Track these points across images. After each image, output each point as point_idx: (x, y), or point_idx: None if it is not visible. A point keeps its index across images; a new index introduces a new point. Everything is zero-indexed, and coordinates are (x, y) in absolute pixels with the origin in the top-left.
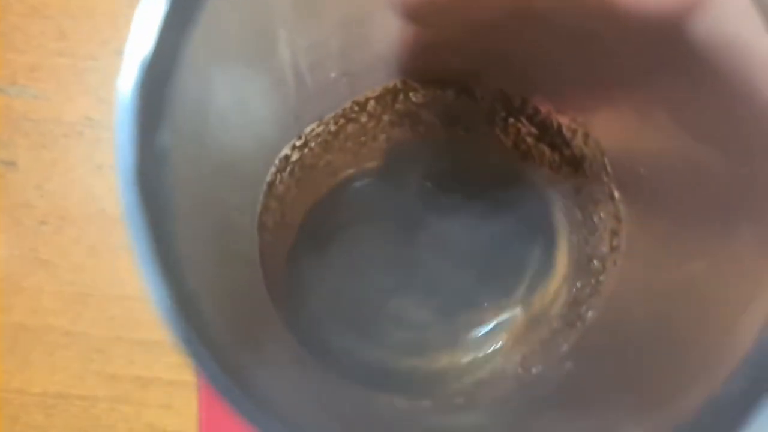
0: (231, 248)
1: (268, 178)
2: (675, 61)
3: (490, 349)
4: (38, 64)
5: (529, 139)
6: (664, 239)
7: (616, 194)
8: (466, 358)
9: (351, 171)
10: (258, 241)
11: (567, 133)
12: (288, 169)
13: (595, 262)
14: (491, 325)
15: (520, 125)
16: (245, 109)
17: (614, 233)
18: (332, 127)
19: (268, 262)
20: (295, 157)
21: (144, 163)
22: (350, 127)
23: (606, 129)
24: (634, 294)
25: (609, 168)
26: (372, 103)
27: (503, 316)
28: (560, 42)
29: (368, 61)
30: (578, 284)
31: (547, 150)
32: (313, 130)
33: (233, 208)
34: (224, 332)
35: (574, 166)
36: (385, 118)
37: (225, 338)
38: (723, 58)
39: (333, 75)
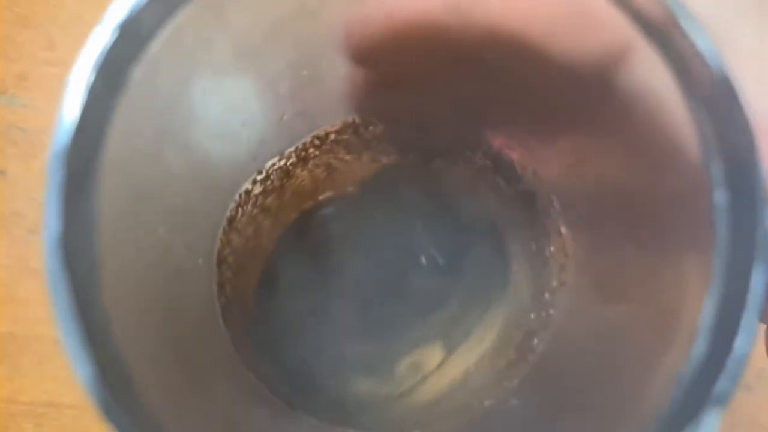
0: (180, 295)
1: (228, 214)
2: (602, 104)
3: (452, 378)
4: (28, 73)
5: (485, 172)
6: (602, 278)
7: (563, 230)
8: (428, 387)
9: (312, 201)
10: (216, 277)
11: (518, 169)
12: (250, 202)
13: (546, 294)
14: (454, 353)
15: (475, 158)
16: (194, 160)
17: (562, 268)
18: (293, 159)
19: (229, 297)
20: (257, 190)
21: (69, 230)
22: (311, 159)
23: (549, 166)
24: (578, 331)
25: (556, 204)
26: (333, 136)
27: (464, 345)
28: (500, 84)
29: (323, 101)
30: (532, 315)
31: (502, 182)
32: (274, 164)
33: (183, 252)
34: (159, 401)
35: (527, 200)
36: (345, 149)
37: (158, 407)
38: (640, 105)
39: (287, 116)
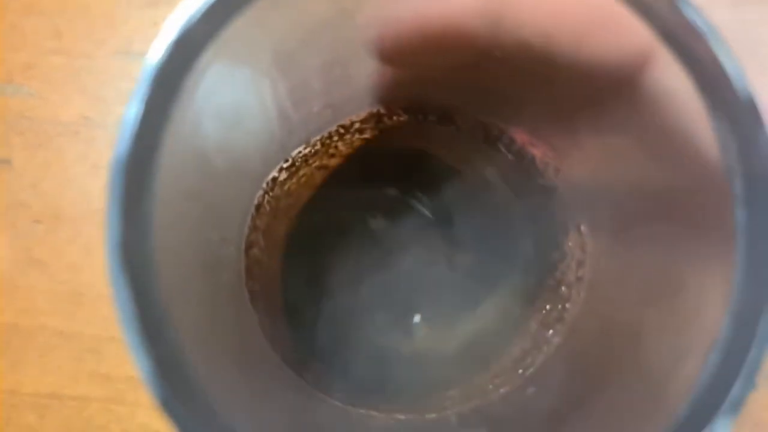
0: (218, 284)
1: (256, 201)
2: (626, 107)
3: (471, 364)
4: (34, 63)
5: (508, 166)
6: (621, 279)
7: (583, 227)
8: (454, 372)
9: (335, 186)
10: (244, 262)
11: (540, 165)
12: (276, 189)
13: (563, 288)
14: (474, 339)
15: (499, 152)
16: (230, 153)
17: (580, 264)
18: (318, 147)
19: (256, 282)
20: (282, 177)
21: (129, 235)
22: (336, 146)
23: (571, 164)
24: (594, 327)
25: (576, 201)
26: (357, 125)
27: (484, 330)
28: (526, 83)
29: (350, 94)
30: (547, 306)
31: (523, 176)
32: (300, 152)
33: (219, 243)
34: (213, 389)
35: (548, 195)
36: (369, 136)
37: (213, 394)
38: (664, 110)
39: (316, 109)
